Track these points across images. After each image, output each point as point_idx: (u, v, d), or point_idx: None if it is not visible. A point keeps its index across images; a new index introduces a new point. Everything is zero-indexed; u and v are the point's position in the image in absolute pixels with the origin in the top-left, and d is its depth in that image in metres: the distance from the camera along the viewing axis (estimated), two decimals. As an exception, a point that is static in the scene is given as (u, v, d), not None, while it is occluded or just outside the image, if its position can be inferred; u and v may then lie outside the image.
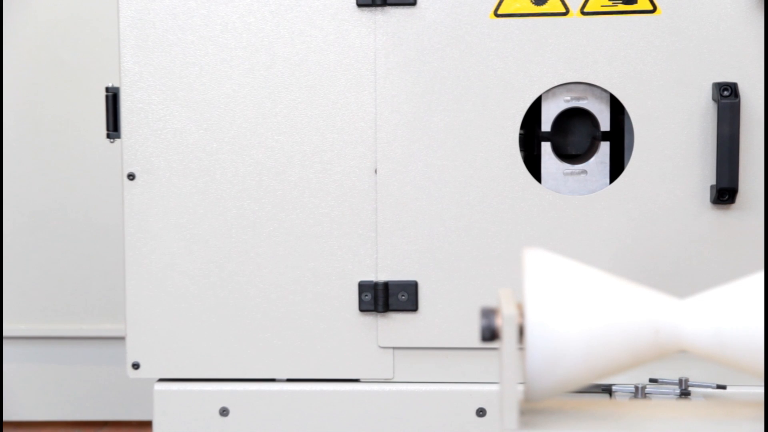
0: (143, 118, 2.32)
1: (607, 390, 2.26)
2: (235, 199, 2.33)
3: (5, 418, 3.17)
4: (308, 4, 2.29)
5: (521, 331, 1.50)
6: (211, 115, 2.32)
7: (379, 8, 2.28)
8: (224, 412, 2.36)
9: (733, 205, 2.25)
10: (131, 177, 2.34)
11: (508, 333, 1.48)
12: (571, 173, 2.33)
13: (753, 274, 1.54)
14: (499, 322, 1.50)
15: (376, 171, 2.31)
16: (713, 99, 2.23)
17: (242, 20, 2.30)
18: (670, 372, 2.26)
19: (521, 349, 1.50)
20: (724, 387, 2.24)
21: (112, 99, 2.34)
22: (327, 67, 2.30)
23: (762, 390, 2.21)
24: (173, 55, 2.31)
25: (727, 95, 2.20)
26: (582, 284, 1.51)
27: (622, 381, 2.25)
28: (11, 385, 3.16)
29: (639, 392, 2.23)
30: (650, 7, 2.24)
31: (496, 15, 2.27)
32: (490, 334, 1.51)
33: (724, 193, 2.23)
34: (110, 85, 2.35)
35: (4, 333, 3.14)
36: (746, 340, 1.48)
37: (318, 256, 2.33)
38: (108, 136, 2.35)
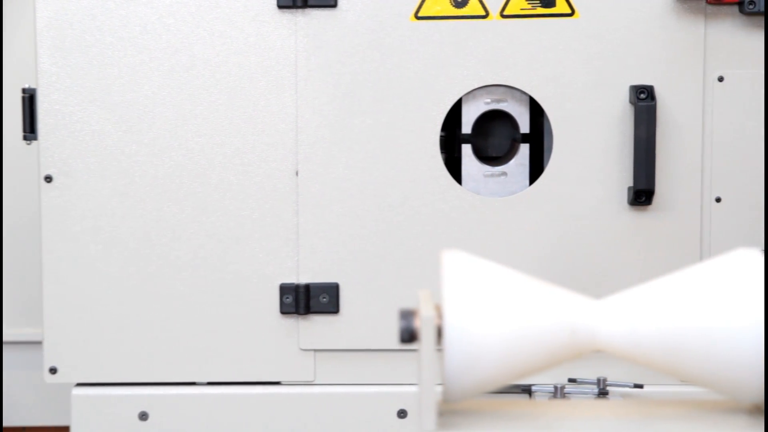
0: (60, 119, 2.30)
1: (527, 390, 2.28)
2: (154, 202, 2.31)
3: None
4: (228, 5, 2.28)
5: (440, 333, 1.50)
6: (130, 117, 2.30)
7: (299, 10, 2.28)
8: (143, 416, 2.34)
9: (649, 207, 2.28)
10: (48, 179, 2.31)
11: (426, 334, 1.49)
12: (491, 175, 2.34)
13: (668, 275, 1.56)
14: (417, 323, 1.51)
15: (297, 173, 2.31)
16: (630, 102, 2.25)
17: (161, 21, 2.28)
18: (589, 372, 2.28)
19: (440, 350, 1.51)
20: (641, 386, 2.27)
21: (29, 100, 2.31)
22: (247, 69, 2.29)
23: (678, 388, 2.24)
24: (91, 56, 2.29)
25: (643, 98, 2.23)
26: (500, 286, 1.52)
27: (542, 381, 2.27)
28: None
29: (558, 392, 2.25)
30: (569, 11, 2.26)
31: (417, 17, 2.28)
32: (409, 336, 1.51)
33: (641, 195, 2.25)
34: (27, 86, 2.32)
35: None
36: (661, 340, 1.50)
37: (239, 259, 2.32)
38: (24, 138, 2.32)
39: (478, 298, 1.50)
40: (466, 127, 2.34)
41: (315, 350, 2.34)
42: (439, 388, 1.52)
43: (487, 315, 1.49)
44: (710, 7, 2.24)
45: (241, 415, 2.33)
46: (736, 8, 2.23)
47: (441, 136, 2.31)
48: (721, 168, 2.27)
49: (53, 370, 2.33)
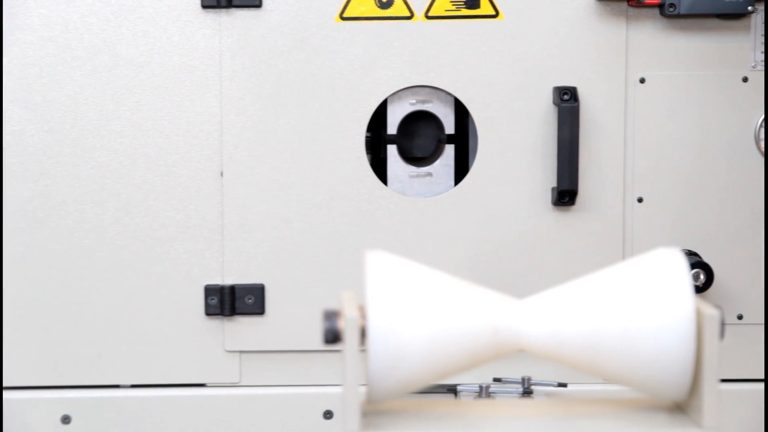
0: (-19, 119, 2.26)
1: (452, 390, 2.28)
2: (77, 203, 2.29)
3: None
4: (151, 4, 2.26)
5: (363, 333, 1.50)
6: (52, 117, 2.27)
7: (224, 10, 2.27)
8: (66, 419, 2.31)
9: (573, 207, 2.30)
10: (-32, 180, 2.27)
11: (350, 335, 1.49)
12: (417, 176, 2.35)
13: (589, 274, 1.57)
14: (341, 324, 1.51)
15: (222, 174, 2.30)
16: (553, 103, 2.27)
17: (83, 21, 2.26)
18: (514, 371, 2.30)
19: (363, 350, 1.51)
20: (565, 385, 2.28)
21: (-52, 100, 2.27)
22: (171, 69, 2.27)
23: (601, 387, 2.26)
24: (11, 55, 2.26)
25: (566, 99, 2.25)
26: (423, 286, 1.52)
27: (467, 381, 2.28)
28: None
29: (483, 392, 2.26)
30: (493, 12, 2.27)
31: (342, 18, 2.27)
32: (333, 337, 1.51)
33: (565, 195, 2.27)
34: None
35: None
36: (583, 340, 1.51)
37: (163, 260, 2.30)
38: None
39: (401, 299, 1.50)
40: (392, 128, 2.34)
41: (240, 352, 2.33)
42: (363, 389, 1.52)
43: (410, 315, 1.49)
44: (632, 10, 2.26)
45: (165, 417, 2.32)
46: (656, 11, 2.26)
47: (366, 137, 2.31)
48: (642, 168, 2.29)
49: (-27, 374, 2.30)
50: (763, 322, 2.33)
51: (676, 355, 1.48)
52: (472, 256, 2.30)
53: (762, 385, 2.34)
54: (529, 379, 2.28)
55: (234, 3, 2.26)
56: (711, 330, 1.49)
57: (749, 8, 2.22)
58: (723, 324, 1.50)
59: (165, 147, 2.29)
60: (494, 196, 2.30)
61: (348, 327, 1.49)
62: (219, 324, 2.32)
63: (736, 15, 2.25)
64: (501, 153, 2.29)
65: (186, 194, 2.30)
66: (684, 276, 1.51)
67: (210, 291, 2.30)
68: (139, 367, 2.31)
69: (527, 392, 2.27)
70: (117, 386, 2.33)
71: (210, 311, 2.31)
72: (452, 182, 2.34)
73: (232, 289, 2.30)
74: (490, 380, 2.30)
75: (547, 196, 2.30)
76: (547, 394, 2.29)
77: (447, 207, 2.31)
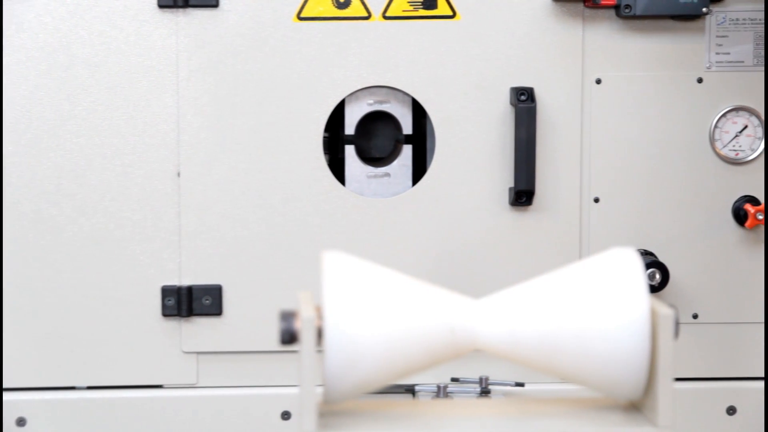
0: (-66, 119, 2.24)
1: (410, 390, 2.29)
2: (32, 203, 2.27)
3: None
4: (107, 4, 2.25)
5: (320, 334, 1.50)
6: (7, 117, 2.26)
7: (180, 9, 2.26)
8: (21, 422, 2.29)
9: (530, 207, 2.30)
10: None
11: (306, 336, 1.49)
12: (375, 176, 2.35)
13: (545, 274, 1.58)
14: (298, 325, 1.50)
15: (179, 174, 2.29)
16: (511, 103, 2.28)
17: (39, 20, 2.24)
18: (472, 371, 2.30)
19: (320, 351, 1.51)
20: (522, 384, 2.29)
21: None
22: (128, 69, 2.26)
23: (558, 386, 2.27)
24: (-34, 54, 2.24)
25: (523, 100, 2.26)
26: (380, 286, 1.52)
27: (425, 381, 2.29)
28: None
29: (441, 391, 2.26)
30: (450, 13, 2.28)
31: (299, 18, 2.27)
32: (290, 337, 1.51)
33: (522, 195, 2.28)
34: None
35: None
36: (539, 340, 1.52)
37: (119, 261, 2.29)
38: None
39: (357, 299, 1.50)
40: (350, 129, 2.34)
41: (198, 353, 2.32)
42: (320, 389, 1.52)
43: (366, 316, 1.49)
44: (588, 11, 2.28)
45: (122, 419, 2.30)
46: (612, 12, 2.27)
47: (324, 138, 2.31)
48: (599, 168, 2.31)
49: (-73, 377, 2.28)
50: (717, 321, 2.35)
51: (630, 354, 1.49)
52: (429, 256, 2.30)
53: (708, 384, 2.36)
54: (486, 378, 2.29)
55: (191, 3, 2.25)
56: (665, 329, 1.50)
57: (704, 10, 2.24)
58: (677, 323, 1.51)
59: (121, 147, 2.28)
60: (452, 196, 2.30)
61: (304, 327, 1.49)
62: (176, 325, 2.31)
63: (691, 16, 2.26)
64: (458, 153, 2.30)
65: (143, 195, 2.29)
66: (639, 276, 1.52)
67: (167, 292, 2.29)
68: (96, 368, 2.30)
69: (485, 392, 2.28)
70: (73, 388, 2.32)
71: (167, 312, 2.30)
72: (410, 182, 2.34)
73: (190, 289, 2.29)
74: (448, 380, 2.30)
75: (505, 197, 2.31)
76: (505, 394, 2.29)
77: (405, 207, 2.31)
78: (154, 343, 2.30)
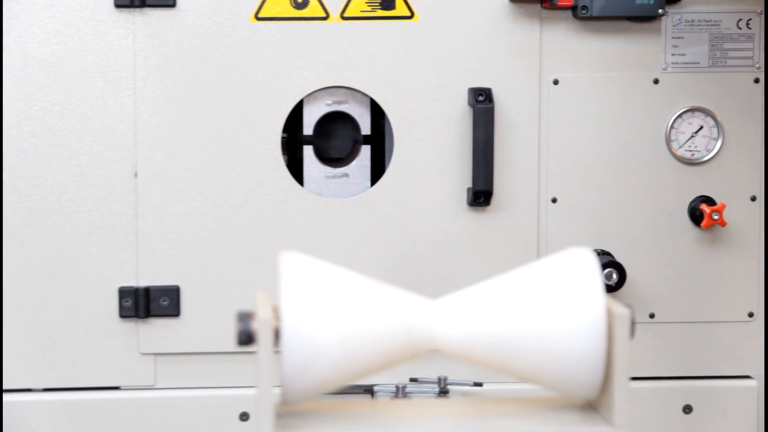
0: None
1: (369, 390, 2.29)
2: (-13, 204, 2.25)
3: None
4: (63, 3, 2.23)
5: (278, 335, 1.50)
6: (-38, 117, 2.24)
7: (137, 9, 2.25)
8: (-24, 424, 2.28)
9: (488, 207, 2.31)
10: None
11: (263, 336, 1.48)
12: (333, 176, 2.35)
13: (502, 274, 1.58)
14: (255, 325, 1.50)
15: (136, 174, 2.28)
16: (469, 104, 2.29)
17: (-6, 19, 2.22)
18: (431, 371, 2.31)
19: (278, 352, 1.50)
20: (480, 384, 2.30)
21: None
22: (84, 69, 2.25)
23: (516, 386, 2.27)
24: None
25: (481, 100, 2.27)
26: (337, 287, 1.52)
27: (383, 381, 2.29)
28: None
29: (399, 392, 2.27)
30: (408, 14, 2.28)
31: (257, 18, 2.27)
32: (247, 338, 1.51)
33: (480, 196, 2.29)
34: None
35: None
36: (495, 340, 1.52)
37: (76, 262, 2.27)
38: None
39: (315, 300, 1.50)
40: (308, 129, 2.34)
41: (155, 354, 2.31)
42: (278, 390, 1.52)
43: (324, 316, 1.49)
44: (545, 12, 2.29)
45: (79, 421, 2.29)
46: (569, 13, 2.28)
47: (283, 138, 2.30)
48: (556, 169, 2.32)
49: None
50: (674, 320, 2.36)
51: (587, 354, 1.50)
52: (388, 257, 2.31)
53: (665, 383, 2.38)
54: (445, 378, 2.29)
55: (147, 3, 2.24)
56: (621, 329, 1.51)
57: (660, 11, 2.26)
58: (633, 323, 1.52)
59: (78, 148, 2.26)
60: (410, 196, 2.31)
61: (261, 328, 1.49)
62: (133, 326, 2.30)
63: (647, 18, 2.28)
64: (417, 154, 2.30)
65: (99, 195, 2.27)
66: (595, 275, 1.52)
67: (124, 293, 2.28)
68: (52, 370, 2.28)
69: (443, 392, 2.28)
70: (29, 390, 2.30)
71: (124, 313, 2.28)
72: (368, 183, 2.34)
73: (147, 290, 2.28)
74: (406, 380, 2.30)
75: (463, 197, 2.31)
76: (463, 394, 2.30)
77: (363, 208, 2.31)
78: (111, 344, 2.29)
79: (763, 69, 2.32)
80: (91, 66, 2.25)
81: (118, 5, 2.24)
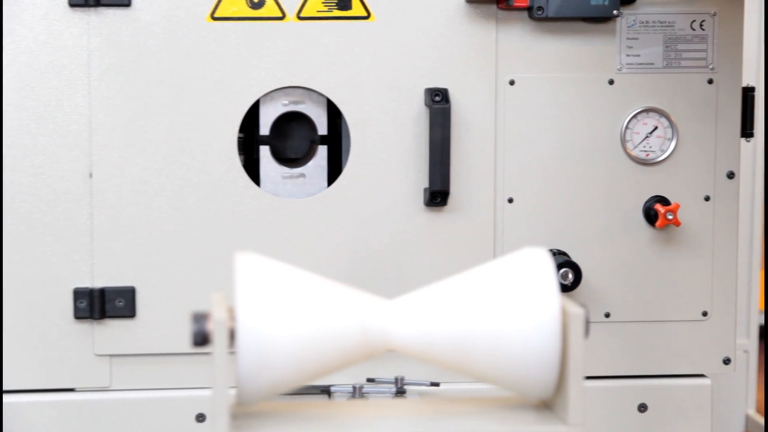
0: None
1: (326, 391, 2.28)
2: (-60, 205, 2.23)
3: None
4: (16, 2, 2.21)
5: (233, 335, 1.50)
6: None
7: (92, 8, 2.23)
8: (-71, 427, 2.25)
9: (445, 207, 2.32)
10: None
11: (218, 337, 1.48)
12: (290, 177, 2.34)
13: (458, 275, 1.59)
14: (210, 326, 1.50)
15: (91, 175, 2.26)
16: (425, 104, 2.29)
17: (-54, 18, 2.20)
18: (389, 371, 2.31)
19: (233, 353, 1.50)
20: (437, 384, 2.30)
21: None
22: (38, 69, 2.23)
23: (473, 386, 2.28)
24: None
25: (438, 101, 2.27)
26: (293, 287, 1.52)
27: (341, 381, 2.29)
28: None
29: (356, 392, 2.27)
30: (364, 14, 2.28)
31: (213, 18, 2.26)
32: (202, 339, 1.50)
33: (437, 196, 2.29)
34: None
35: None
36: (450, 340, 1.53)
37: (30, 263, 2.25)
38: None
39: (270, 300, 1.50)
40: (264, 129, 2.33)
41: (111, 355, 2.30)
42: (234, 391, 1.52)
43: (279, 317, 1.49)
44: (501, 12, 2.29)
45: (33, 423, 2.27)
46: (525, 13, 2.29)
47: (239, 138, 2.30)
48: (513, 169, 2.33)
49: None
50: (629, 320, 2.38)
51: (541, 353, 1.51)
52: (344, 257, 2.30)
53: (621, 382, 2.39)
54: (402, 379, 2.29)
55: (102, 2, 2.22)
56: (575, 328, 1.52)
57: (614, 12, 2.27)
58: (587, 322, 1.53)
59: (32, 147, 2.24)
60: (367, 197, 2.31)
61: (216, 329, 1.48)
62: (88, 327, 2.28)
63: (602, 18, 2.29)
64: (373, 154, 2.30)
65: (54, 196, 2.26)
66: (550, 275, 1.53)
67: (79, 294, 2.27)
68: (6, 371, 2.26)
69: (400, 392, 2.28)
70: (-17, 392, 2.28)
71: (79, 314, 2.27)
72: (325, 183, 2.34)
73: (102, 292, 2.27)
74: (363, 380, 2.30)
75: (420, 197, 2.31)
76: (420, 394, 2.30)
77: (320, 208, 2.31)
78: (66, 345, 2.28)
79: (716, 70, 2.34)
80: (45, 65, 2.23)
81: (72, 4, 2.22)
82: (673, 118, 2.34)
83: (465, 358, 1.52)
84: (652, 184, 2.35)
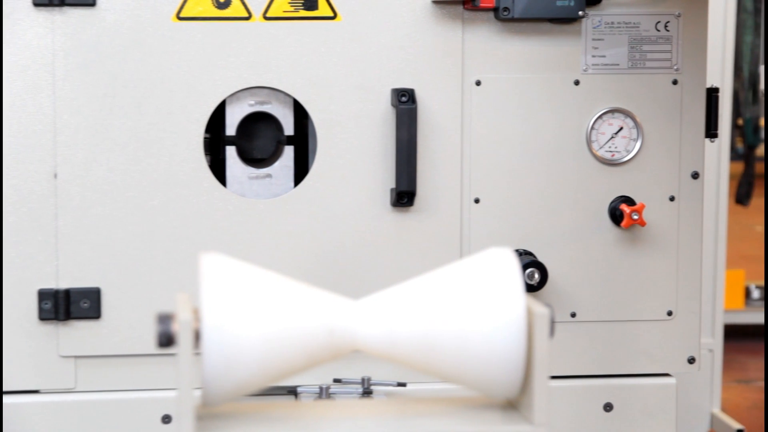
0: None
1: (293, 391, 2.28)
2: None
3: None
4: (-20, 1, 2.20)
5: (198, 336, 1.49)
6: None
7: (57, 8, 2.22)
8: None
9: (411, 208, 2.32)
10: None
11: (183, 338, 1.48)
12: (256, 177, 2.34)
13: (424, 275, 1.59)
14: (175, 327, 1.49)
15: (56, 175, 2.25)
16: (392, 104, 2.29)
17: None
18: (355, 371, 2.31)
19: (198, 353, 1.49)
20: (404, 384, 2.30)
21: None
22: (2, 68, 2.21)
23: (440, 386, 2.28)
24: None
25: (404, 101, 2.27)
26: (258, 288, 1.52)
27: (307, 382, 2.28)
28: None
29: (323, 392, 2.26)
30: (331, 14, 2.28)
31: (179, 18, 2.25)
32: (167, 340, 1.50)
33: (403, 196, 2.29)
34: None
35: None
36: (416, 340, 1.53)
37: (-6, 264, 2.24)
38: None
39: (235, 301, 1.49)
40: (231, 129, 2.33)
41: (76, 357, 2.28)
42: (199, 392, 1.51)
43: (244, 317, 1.49)
44: (467, 13, 2.30)
45: (-3, 425, 2.26)
46: (491, 14, 2.30)
47: (205, 138, 2.29)
48: (479, 169, 2.33)
49: None
50: (595, 319, 2.38)
51: (506, 353, 1.51)
52: (311, 258, 2.30)
53: (588, 381, 2.40)
54: (368, 379, 2.29)
55: (67, 2, 2.21)
56: (541, 328, 1.52)
57: (580, 13, 2.28)
58: (552, 322, 1.53)
59: (-4, 148, 2.23)
60: (333, 197, 2.30)
61: (181, 330, 1.48)
62: (53, 329, 2.27)
63: (568, 19, 2.30)
64: (340, 154, 2.30)
65: (18, 196, 2.24)
66: (515, 275, 1.53)
67: (44, 295, 2.25)
68: (-30, 374, 2.25)
69: (367, 392, 2.28)
70: (-54, 394, 2.26)
71: (44, 316, 2.25)
72: (292, 184, 2.34)
73: (67, 293, 2.26)
74: (330, 381, 2.30)
75: (386, 198, 2.32)
76: (387, 394, 2.30)
77: (286, 208, 2.30)
78: (31, 347, 2.26)
79: (681, 71, 2.35)
80: (9, 65, 2.22)
81: (36, 4, 2.21)
82: (638, 119, 2.35)
83: (431, 358, 1.52)
84: (618, 184, 2.36)
